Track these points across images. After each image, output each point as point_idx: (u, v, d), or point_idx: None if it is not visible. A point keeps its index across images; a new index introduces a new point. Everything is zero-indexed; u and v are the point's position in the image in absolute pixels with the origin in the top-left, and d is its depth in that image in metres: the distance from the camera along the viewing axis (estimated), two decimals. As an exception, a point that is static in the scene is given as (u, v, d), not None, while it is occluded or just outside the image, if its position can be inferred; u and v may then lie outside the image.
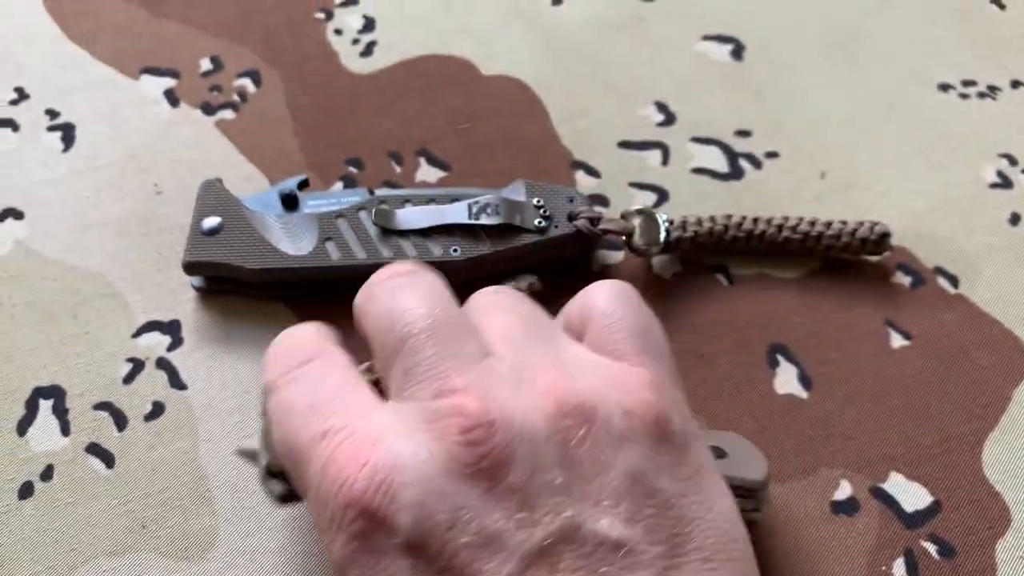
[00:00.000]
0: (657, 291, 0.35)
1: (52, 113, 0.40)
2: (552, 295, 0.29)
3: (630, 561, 0.19)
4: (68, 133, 0.40)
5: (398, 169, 0.39)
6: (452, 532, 0.19)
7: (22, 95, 0.41)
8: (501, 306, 0.25)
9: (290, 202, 0.35)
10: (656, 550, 0.20)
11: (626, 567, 0.19)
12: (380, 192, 0.35)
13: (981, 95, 0.42)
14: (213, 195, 0.35)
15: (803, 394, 0.33)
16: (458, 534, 0.19)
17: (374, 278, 0.26)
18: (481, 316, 0.24)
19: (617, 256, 0.37)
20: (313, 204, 0.35)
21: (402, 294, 0.24)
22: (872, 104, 0.42)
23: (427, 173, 0.39)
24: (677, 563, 0.20)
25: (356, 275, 0.33)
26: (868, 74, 0.43)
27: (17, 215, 0.37)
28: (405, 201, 0.35)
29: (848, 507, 0.31)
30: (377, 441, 0.21)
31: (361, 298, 0.26)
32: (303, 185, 0.36)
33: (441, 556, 0.19)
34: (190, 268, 0.34)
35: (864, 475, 0.31)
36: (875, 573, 0.29)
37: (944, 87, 0.42)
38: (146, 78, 0.41)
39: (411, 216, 0.34)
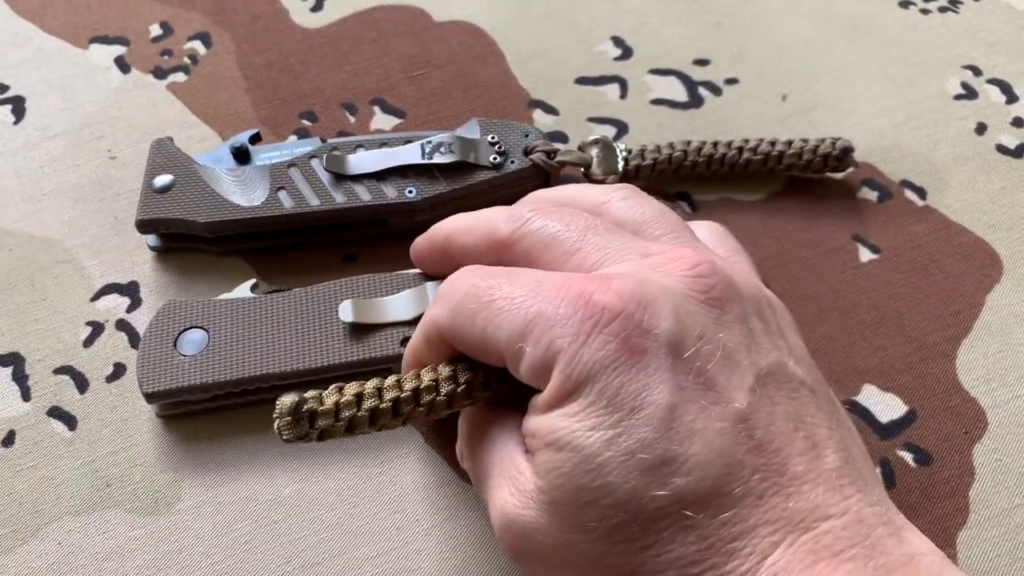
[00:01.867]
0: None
1: (1, 87, 0.40)
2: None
3: (813, 399, 0.22)
4: (18, 106, 0.39)
5: (352, 119, 0.38)
6: (702, 342, 0.22)
7: (-29, 72, 0.40)
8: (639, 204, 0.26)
9: (241, 156, 0.34)
10: (824, 394, 0.23)
11: (811, 403, 0.22)
12: (332, 141, 0.35)
13: (942, 9, 0.41)
14: (164, 153, 0.34)
15: (771, 313, 0.32)
16: (707, 345, 0.22)
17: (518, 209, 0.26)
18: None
19: (578, 191, 0.36)
20: (265, 156, 0.34)
21: (556, 213, 0.25)
22: (834, 26, 0.41)
23: (382, 121, 0.38)
24: (836, 407, 0.23)
25: (310, 222, 0.33)
26: (828, -4, 0.42)
27: (-29, 189, 0.36)
28: (357, 147, 0.34)
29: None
30: (619, 274, 0.23)
31: (512, 225, 0.26)
32: (255, 139, 0.35)
33: (696, 359, 0.21)
34: (144, 226, 0.33)
35: (837, 389, 0.31)
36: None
37: (905, 3, 0.41)
38: (95, 47, 0.41)
39: (364, 160, 0.33)
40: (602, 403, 0.21)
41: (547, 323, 0.22)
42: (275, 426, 0.23)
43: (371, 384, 0.24)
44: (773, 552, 0.20)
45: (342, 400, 0.23)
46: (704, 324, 0.22)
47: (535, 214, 0.25)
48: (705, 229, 0.28)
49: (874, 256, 0.34)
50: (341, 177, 0.33)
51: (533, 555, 0.22)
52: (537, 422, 0.22)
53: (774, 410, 0.21)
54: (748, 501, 0.20)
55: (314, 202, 0.33)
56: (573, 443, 0.21)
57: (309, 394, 0.23)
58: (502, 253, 0.26)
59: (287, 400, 0.22)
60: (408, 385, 0.24)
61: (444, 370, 0.24)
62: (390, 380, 0.24)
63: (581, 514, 0.21)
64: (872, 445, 0.30)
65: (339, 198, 0.33)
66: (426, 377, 0.24)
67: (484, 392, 0.24)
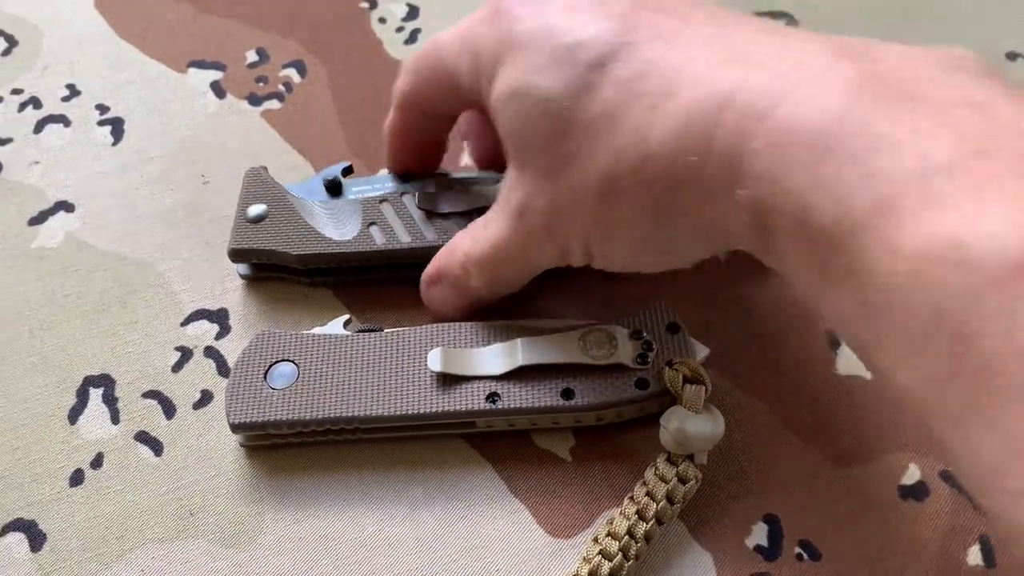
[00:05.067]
0: (713, 274, 0.34)
1: (102, 108, 0.41)
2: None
3: None
4: (118, 127, 0.40)
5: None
6: None
7: (73, 91, 0.41)
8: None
9: (334, 188, 0.34)
10: None
11: None
12: (423, 178, 0.35)
13: (1053, 63, 0.40)
14: (258, 183, 0.35)
15: (867, 375, 0.31)
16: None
17: None
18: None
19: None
20: (357, 190, 0.34)
21: None
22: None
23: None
24: None
25: (400, 259, 0.33)
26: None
27: (69, 208, 0.37)
28: (448, 185, 0.34)
29: (917, 492, 0.29)
30: None
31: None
32: (347, 172, 0.35)
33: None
34: (236, 255, 0.34)
35: (933, 458, 0.30)
36: (948, 560, 0.28)
37: (1012, 56, 0.40)
38: (193, 71, 0.42)
39: (455, 199, 0.33)
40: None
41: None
42: None
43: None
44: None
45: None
46: None
47: None
48: None
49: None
50: (432, 214, 0.33)
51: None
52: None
53: None
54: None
55: (405, 239, 0.33)
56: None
57: None
58: None
59: None
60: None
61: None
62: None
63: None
64: (970, 520, 0.28)
65: (430, 235, 0.33)
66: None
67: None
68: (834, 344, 0.32)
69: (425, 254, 0.32)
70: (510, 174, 0.28)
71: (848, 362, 0.32)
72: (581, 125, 0.24)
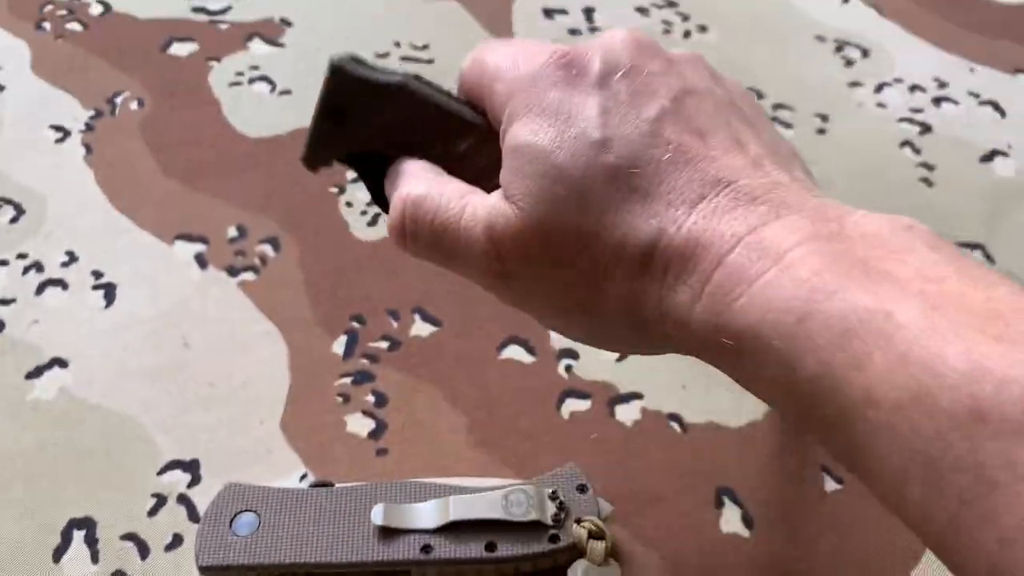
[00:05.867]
0: (618, 437, 0.40)
1: (97, 274, 0.46)
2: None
3: (732, 108, 0.28)
4: (110, 292, 0.46)
5: (395, 324, 0.44)
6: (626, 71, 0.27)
7: (72, 258, 0.47)
8: None
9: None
10: (750, 104, 0.29)
11: (731, 110, 0.27)
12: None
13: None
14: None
15: (745, 533, 0.37)
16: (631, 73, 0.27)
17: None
18: None
19: (584, 404, 0.42)
20: None
21: None
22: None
23: (421, 328, 0.44)
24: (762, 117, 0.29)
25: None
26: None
27: (63, 364, 0.42)
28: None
29: (783, 637, 0.34)
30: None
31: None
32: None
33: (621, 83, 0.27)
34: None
35: (799, 608, 0.35)
36: None
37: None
38: (180, 243, 0.48)
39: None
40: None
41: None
42: None
43: None
44: (698, 204, 0.24)
45: None
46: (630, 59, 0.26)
47: None
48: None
49: (838, 487, 0.39)
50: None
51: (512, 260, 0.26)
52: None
53: (696, 111, 0.26)
54: (670, 167, 0.25)
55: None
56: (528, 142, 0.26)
57: None
58: None
59: None
60: None
61: None
62: None
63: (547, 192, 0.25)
64: (828, 663, 0.34)
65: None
66: None
67: None
68: (719, 504, 0.38)
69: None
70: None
71: (729, 521, 0.38)
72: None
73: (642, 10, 0.64)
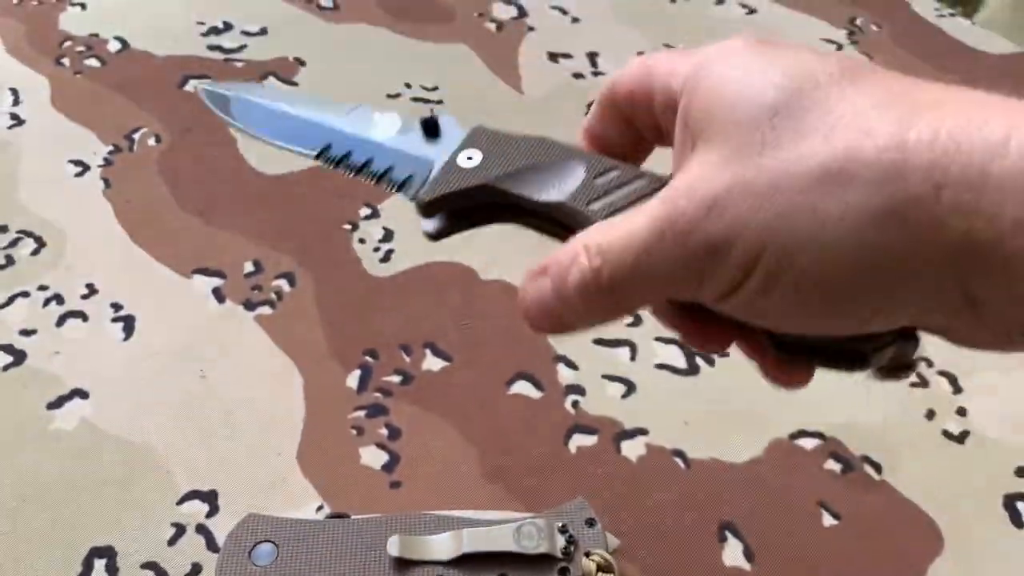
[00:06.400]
0: (624, 472, 0.42)
1: (116, 306, 0.48)
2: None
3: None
4: (129, 324, 0.47)
5: (407, 359, 0.46)
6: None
7: (92, 290, 0.48)
8: None
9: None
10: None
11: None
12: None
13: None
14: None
15: (747, 566, 0.39)
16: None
17: None
18: None
19: (591, 440, 0.43)
20: None
21: None
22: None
23: (432, 363, 0.46)
24: None
25: None
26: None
27: (83, 395, 0.44)
28: None
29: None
30: None
31: None
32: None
33: None
34: None
35: (799, 640, 0.36)
36: None
37: None
38: (197, 277, 0.49)
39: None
40: None
41: None
42: None
43: None
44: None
45: None
46: None
47: None
48: None
49: (835, 522, 0.40)
50: None
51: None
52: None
53: None
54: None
55: None
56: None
57: None
58: None
59: None
60: None
61: None
62: None
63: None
64: None
65: None
66: None
67: None
68: (722, 538, 0.39)
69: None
70: (677, 166, 0.25)
71: (731, 554, 0.39)
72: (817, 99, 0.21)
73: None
